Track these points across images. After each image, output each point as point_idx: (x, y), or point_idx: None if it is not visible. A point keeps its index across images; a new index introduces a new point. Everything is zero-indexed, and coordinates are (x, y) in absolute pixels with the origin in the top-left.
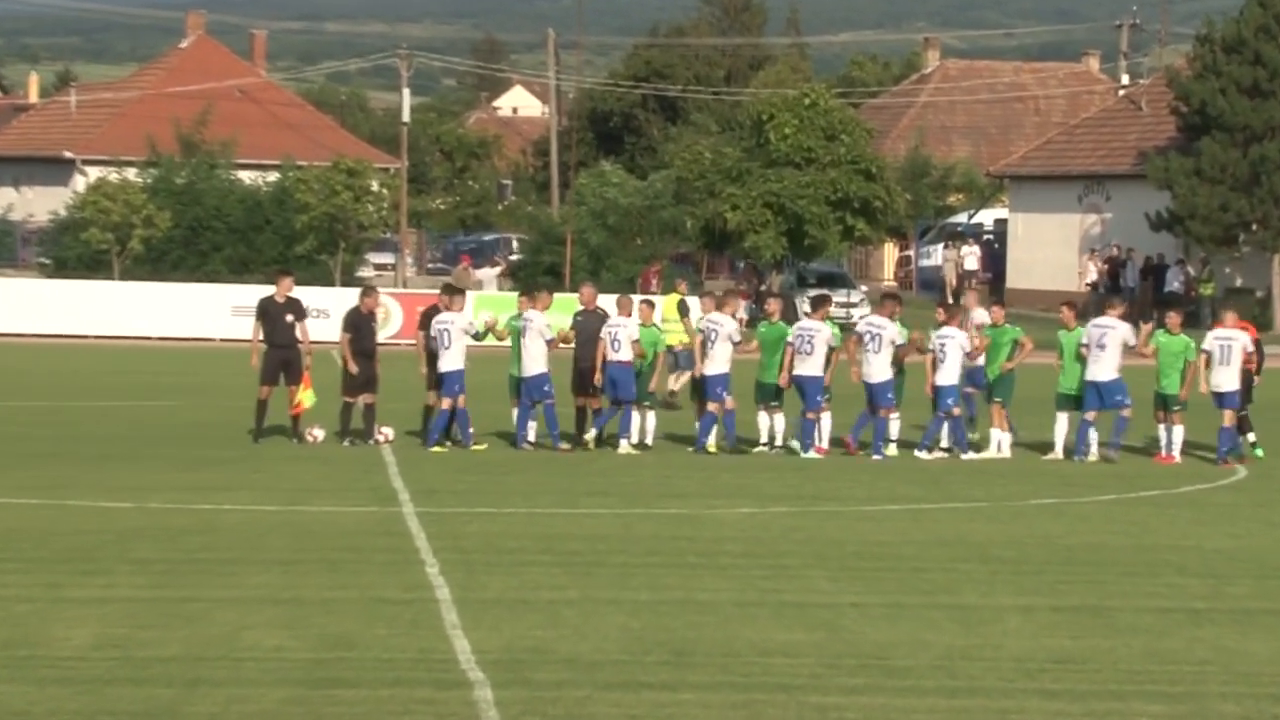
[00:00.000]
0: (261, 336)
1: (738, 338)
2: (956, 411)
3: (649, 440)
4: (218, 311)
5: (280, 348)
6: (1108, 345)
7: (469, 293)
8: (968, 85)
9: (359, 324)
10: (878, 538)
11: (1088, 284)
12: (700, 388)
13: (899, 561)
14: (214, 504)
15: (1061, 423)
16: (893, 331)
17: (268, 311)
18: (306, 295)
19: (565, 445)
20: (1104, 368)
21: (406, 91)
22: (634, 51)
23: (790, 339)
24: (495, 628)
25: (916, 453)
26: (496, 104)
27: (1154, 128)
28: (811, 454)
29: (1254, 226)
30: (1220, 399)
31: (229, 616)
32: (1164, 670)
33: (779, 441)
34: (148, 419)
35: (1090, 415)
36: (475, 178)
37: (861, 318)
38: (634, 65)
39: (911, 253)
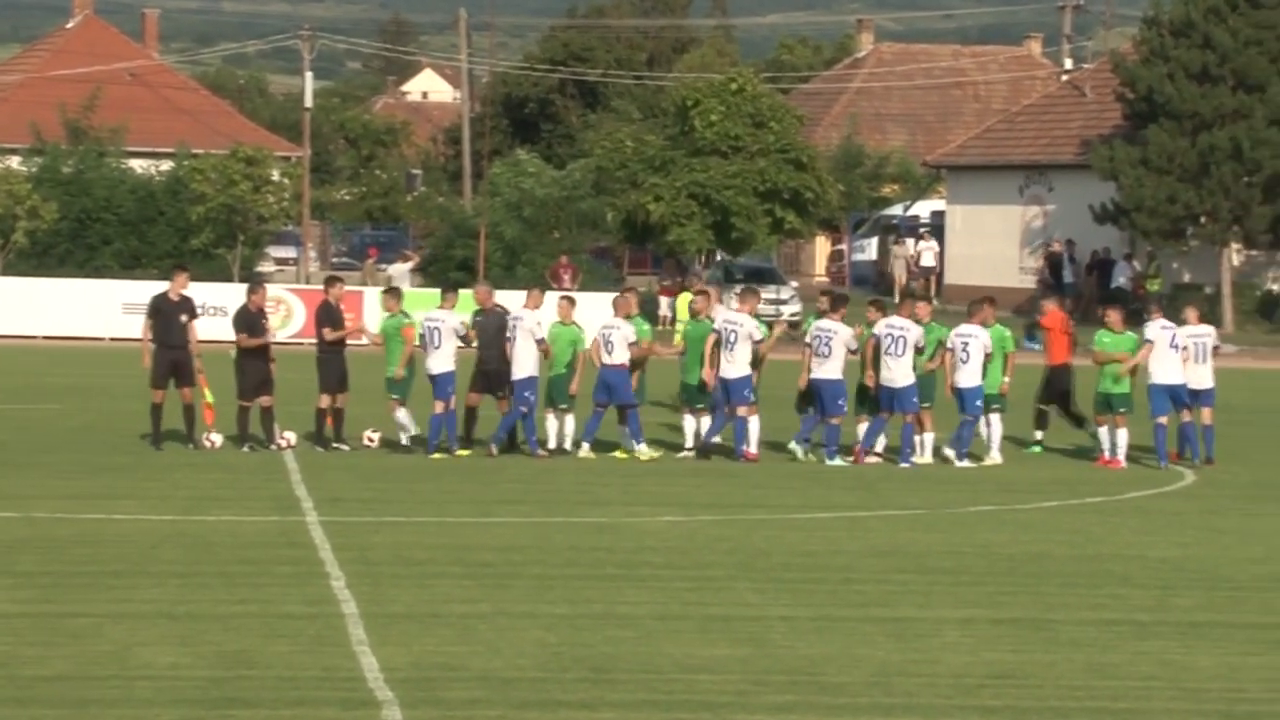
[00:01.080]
0: (152, 336)
1: (759, 336)
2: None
3: (566, 445)
4: (107, 309)
5: (172, 349)
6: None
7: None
8: (903, 70)
9: (252, 323)
10: (808, 547)
11: (1039, 281)
12: (715, 391)
13: (830, 572)
14: (103, 513)
15: (995, 425)
16: (916, 334)
17: (160, 310)
18: (203, 292)
19: (543, 451)
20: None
21: (309, 75)
22: (551, 33)
23: (808, 339)
24: (404, 643)
25: (952, 457)
26: (405, 88)
27: (1099, 115)
28: (837, 461)
29: (1203, 219)
30: (1198, 396)
31: (119, 633)
32: (1107, 686)
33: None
34: (32, 423)
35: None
36: (382, 167)
37: (883, 322)
38: (551, 48)
39: (844, 247)
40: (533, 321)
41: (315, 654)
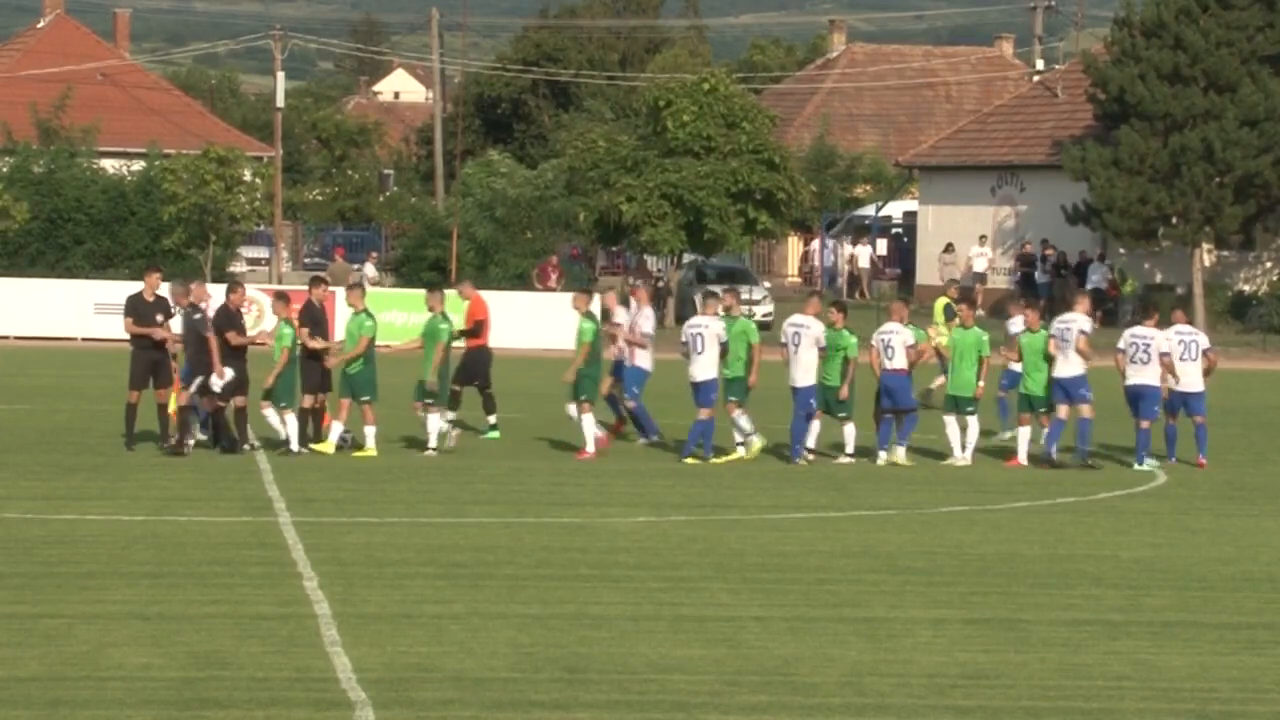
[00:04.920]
0: (130, 335)
1: (915, 341)
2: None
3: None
4: (79, 309)
5: (149, 349)
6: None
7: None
8: (875, 70)
9: (235, 321)
10: (781, 548)
11: (1015, 281)
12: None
13: (804, 573)
14: (75, 514)
15: (951, 426)
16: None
17: (137, 310)
18: None
19: (804, 459)
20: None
21: (281, 75)
22: (523, 33)
23: (1121, 345)
24: (377, 644)
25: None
26: (377, 89)
27: (1070, 116)
28: (1148, 463)
29: (1174, 220)
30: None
31: (91, 633)
32: (1079, 686)
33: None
34: (2, 423)
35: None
36: (354, 167)
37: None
38: (523, 48)
39: (814, 247)
40: (819, 330)
41: (288, 655)
